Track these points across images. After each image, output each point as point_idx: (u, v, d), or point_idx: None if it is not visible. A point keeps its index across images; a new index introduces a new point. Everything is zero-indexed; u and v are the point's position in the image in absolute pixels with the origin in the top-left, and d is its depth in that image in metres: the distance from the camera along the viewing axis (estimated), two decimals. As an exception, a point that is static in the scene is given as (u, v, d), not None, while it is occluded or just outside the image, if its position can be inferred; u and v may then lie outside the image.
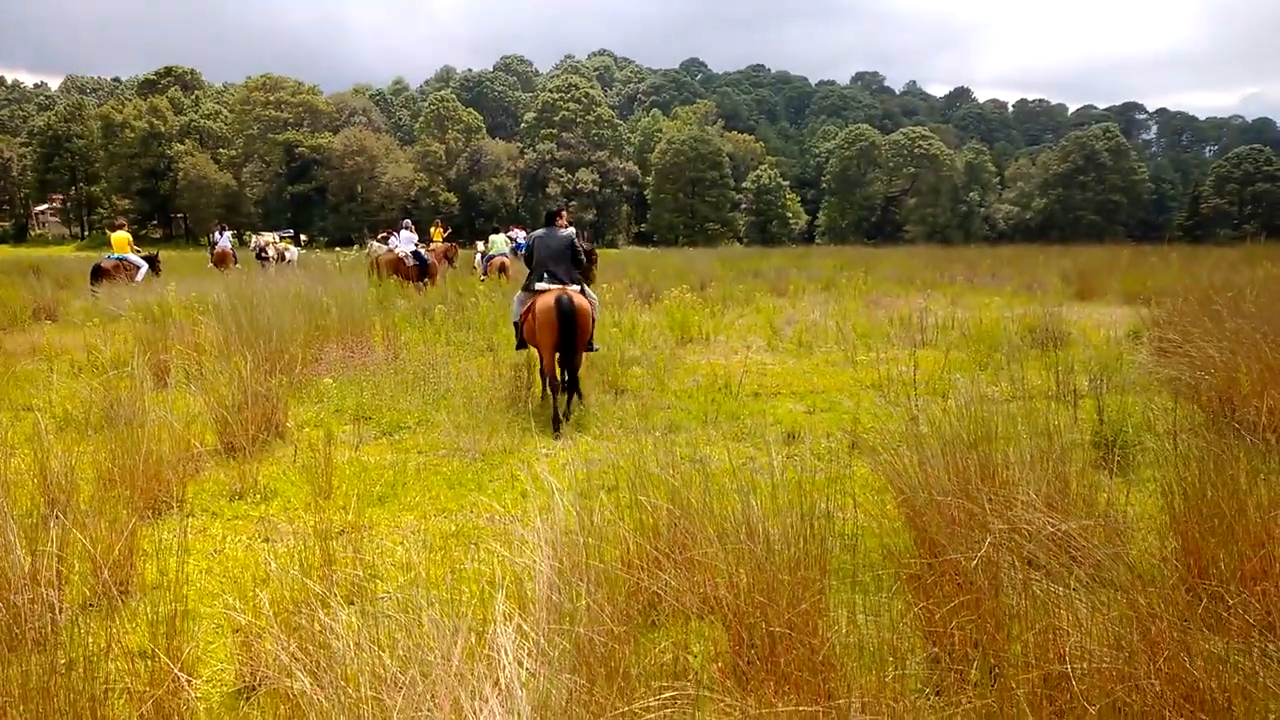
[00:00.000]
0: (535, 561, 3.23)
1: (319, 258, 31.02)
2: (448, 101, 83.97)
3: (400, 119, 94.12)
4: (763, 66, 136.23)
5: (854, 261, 30.22)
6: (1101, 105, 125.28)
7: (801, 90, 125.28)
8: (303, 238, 55.47)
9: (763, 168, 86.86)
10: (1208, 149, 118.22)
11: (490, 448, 6.53)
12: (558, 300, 7.48)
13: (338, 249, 44.93)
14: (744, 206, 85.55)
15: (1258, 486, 3.59)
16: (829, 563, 3.34)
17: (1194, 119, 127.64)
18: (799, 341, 12.12)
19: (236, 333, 8.66)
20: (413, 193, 75.82)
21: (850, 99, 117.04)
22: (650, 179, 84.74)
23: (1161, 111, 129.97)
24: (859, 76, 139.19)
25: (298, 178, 77.70)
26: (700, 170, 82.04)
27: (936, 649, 3.15)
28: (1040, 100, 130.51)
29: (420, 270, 19.37)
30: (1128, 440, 5.53)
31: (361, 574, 3.69)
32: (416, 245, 20.13)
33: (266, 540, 4.78)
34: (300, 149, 76.59)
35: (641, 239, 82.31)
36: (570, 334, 7.49)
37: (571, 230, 8.19)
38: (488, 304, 14.70)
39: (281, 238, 34.16)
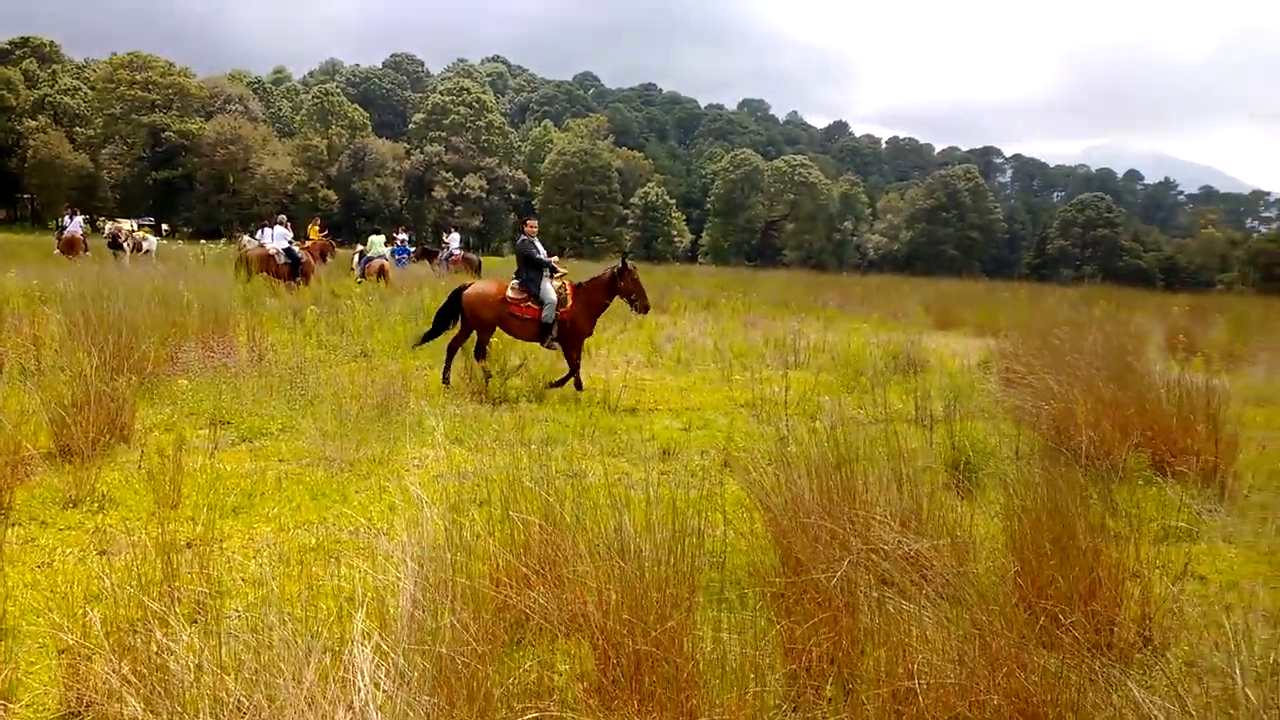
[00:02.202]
0: (399, 578, 3.13)
1: (181, 249, 29.41)
2: (333, 95, 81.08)
3: (280, 110, 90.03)
4: (654, 86, 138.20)
5: (734, 282, 30.91)
6: (964, 147, 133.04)
7: (691, 112, 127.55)
8: (164, 227, 52.13)
9: (650, 185, 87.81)
10: (1055, 194, 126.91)
11: (359, 457, 6.31)
12: (459, 287, 9.92)
13: (203, 241, 42.74)
14: (630, 222, 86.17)
15: (1087, 512, 3.86)
16: (698, 580, 3.38)
17: (1044, 165, 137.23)
18: (678, 359, 12.30)
19: (83, 326, 8.07)
20: (290, 187, 72.70)
21: (737, 124, 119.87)
22: (539, 189, 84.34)
23: (1016, 157, 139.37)
24: (745, 103, 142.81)
25: (163, 163, 73.17)
26: (589, 183, 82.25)
27: (795, 666, 3.23)
28: (910, 139, 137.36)
29: (292, 269, 18.63)
30: (976, 464, 5.86)
31: (207, 590, 3.49)
32: (290, 242, 19.35)
33: (103, 553, 4.44)
34: (167, 133, 72.19)
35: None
36: (459, 314, 9.69)
37: (524, 238, 9.85)
38: (364, 307, 14.27)
39: (140, 226, 32.11)
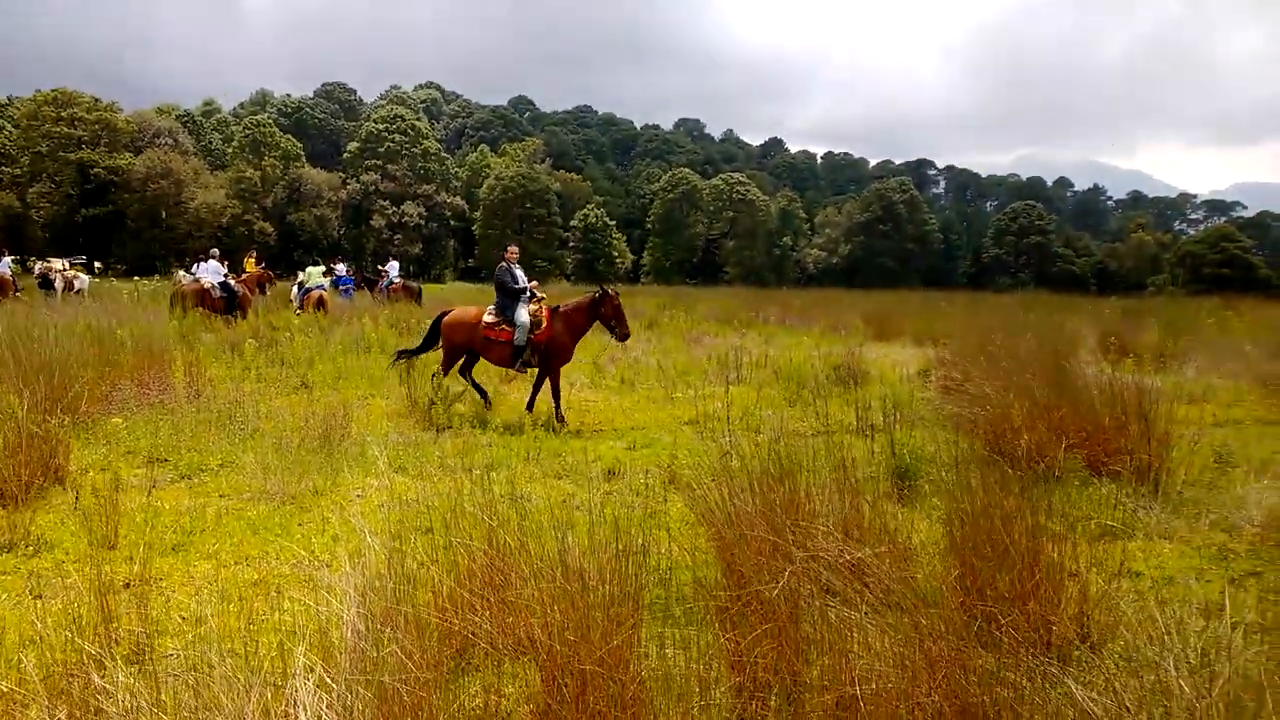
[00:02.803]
0: (343, 609, 3.10)
1: (114, 287, 28.66)
2: (265, 126, 79.79)
3: (211, 142, 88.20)
4: (590, 108, 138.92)
5: (676, 300, 31.10)
6: (898, 160, 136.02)
7: (627, 133, 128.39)
8: (97, 265, 50.68)
9: (590, 207, 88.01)
10: (989, 204, 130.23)
11: (301, 490, 6.22)
12: (442, 312, 10.36)
13: (137, 278, 41.70)
14: (571, 245, 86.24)
15: (1024, 514, 3.96)
16: (643, 598, 3.39)
17: (977, 176, 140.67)
18: (621, 379, 12.33)
19: (13, 367, 7.85)
20: (225, 220, 71.14)
21: (673, 143, 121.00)
22: (478, 214, 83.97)
23: (949, 168, 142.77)
24: (682, 122, 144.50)
25: (92, 200, 71.06)
26: (528, 207, 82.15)
27: (741, 678, 3.26)
28: (845, 154, 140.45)
29: (228, 302, 18.29)
30: (916, 471, 5.97)
31: (145, 631, 3.40)
32: (225, 276, 19.01)
33: (38, 597, 4.31)
34: (96, 170, 70.24)
35: (469, 274, 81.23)
36: (437, 336, 10.13)
37: (503, 265, 9.97)
38: (303, 339, 14.06)
39: (71, 264, 31.27)
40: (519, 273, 9.93)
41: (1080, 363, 8.35)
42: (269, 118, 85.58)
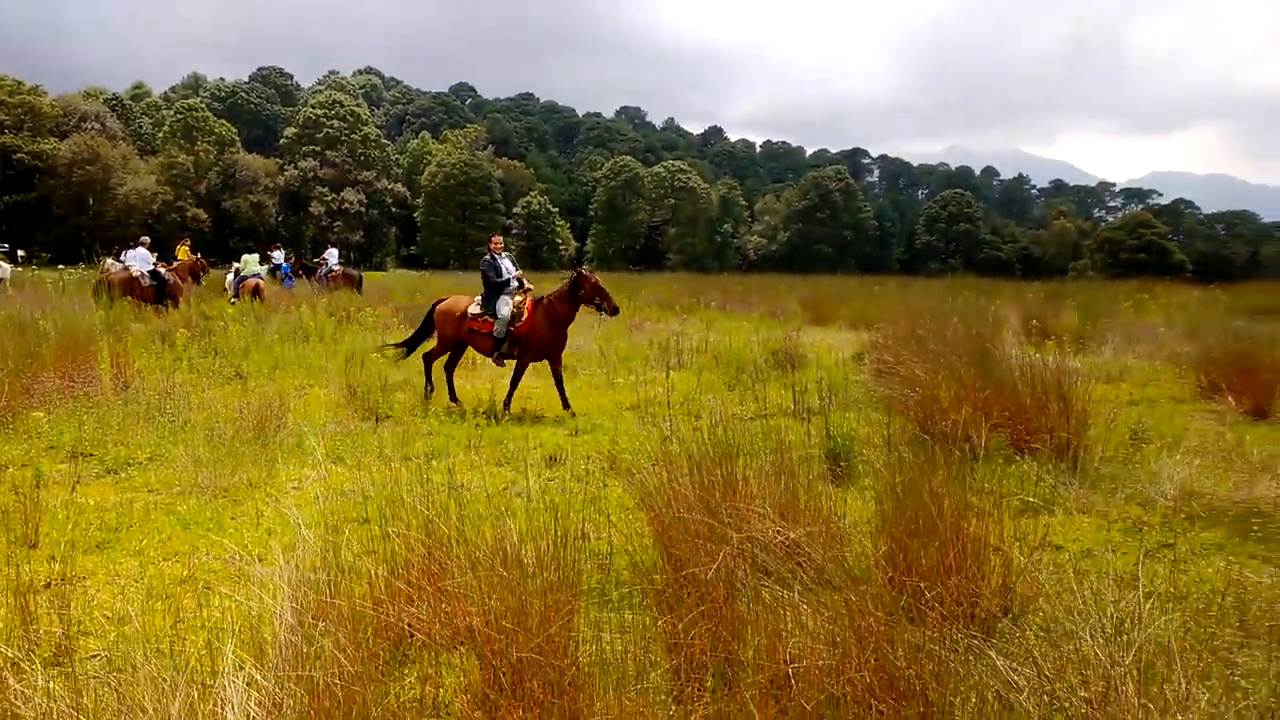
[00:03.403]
0: (276, 604, 3.05)
1: (38, 276, 27.61)
2: (197, 111, 77.34)
3: (141, 127, 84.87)
4: (532, 95, 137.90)
5: (619, 287, 30.91)
6: (834, 150, 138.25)
7: (570, 120, 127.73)
8: (20, 253, 48.51)
9: (533, 194, 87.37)
10: (920, 192, 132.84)
11: (234, 483, 6.09)
12: (436, 301, 10.41)
13: (62, 267, 40.21)
14: (515, 232, 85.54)
15: (951, 492, 4.07)
16: (582, 584, 3.40)
17: (909, 165, 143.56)
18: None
19: (-75, 362, 7.52)
20: (155, 207, 68.78)
21: (615, 131, 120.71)
22: (420, 201, 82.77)
23: (883, 157, 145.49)
24: (623, 110, 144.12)
25: (15, 187, 68.17)
26: (471, 194, 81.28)
27: (678, 660, 3.30)
28: (783, 142, 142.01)
29: (158, 291, 17.76)
30: (850, 453, 6.09)
31: (65, 632, 3.30)
32: (156, 264, 18.43)
33: (-48, 601, 4.16)
34: (19, 155, 67.40)
35: (410, 262, 79.95)
36: (431, 326, 10.14)
37: (486, 258, 9.83)
38: (238, 329, 13.73)
39: (-8, 253, 29.95)
40: (504, 264, 9.80)
41: (1004, 345, 8.57)
42: (202, 102, 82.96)
